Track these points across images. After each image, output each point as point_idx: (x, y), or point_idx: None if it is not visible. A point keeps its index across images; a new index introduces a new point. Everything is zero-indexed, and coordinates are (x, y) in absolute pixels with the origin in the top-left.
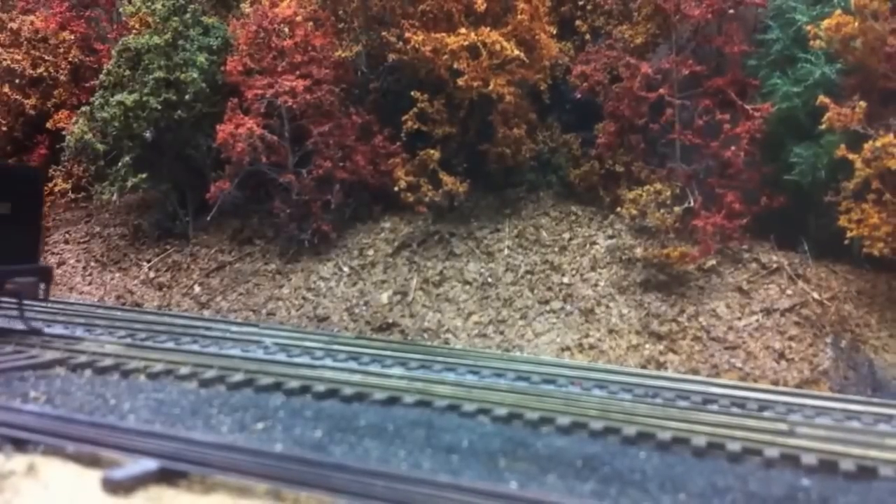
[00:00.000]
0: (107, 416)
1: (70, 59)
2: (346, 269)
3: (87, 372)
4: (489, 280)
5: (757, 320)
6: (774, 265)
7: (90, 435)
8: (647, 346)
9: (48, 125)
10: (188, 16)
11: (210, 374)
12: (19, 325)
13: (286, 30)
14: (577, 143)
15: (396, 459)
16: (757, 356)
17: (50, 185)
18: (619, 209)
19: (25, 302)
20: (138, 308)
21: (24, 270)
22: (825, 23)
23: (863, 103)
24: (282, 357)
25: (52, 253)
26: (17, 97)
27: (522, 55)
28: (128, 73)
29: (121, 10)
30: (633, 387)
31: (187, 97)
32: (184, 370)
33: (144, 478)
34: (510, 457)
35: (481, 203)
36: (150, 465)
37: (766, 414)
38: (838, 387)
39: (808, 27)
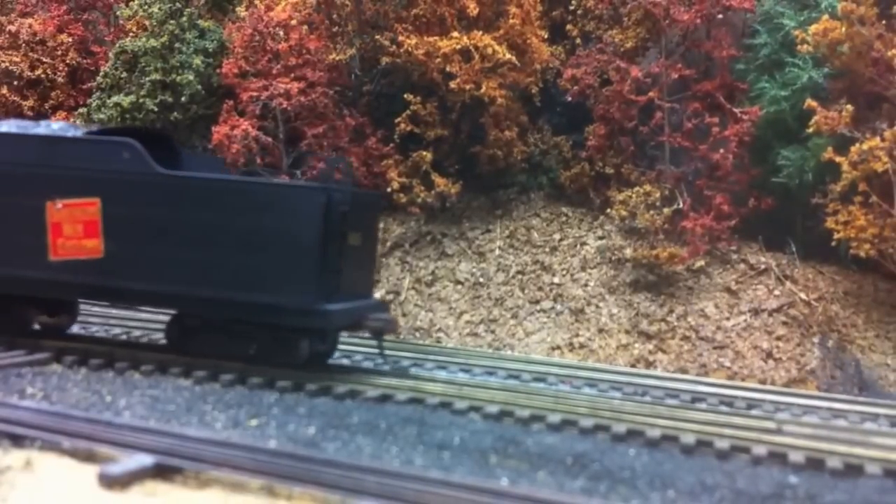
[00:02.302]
0: (102, 413)
1: (68, 61)
2: None
3: (83, 369)
4: (481, 280)
5: (745, 320)
6: (762, 266)
7: (86, 431)
8: (636, 345)
9: None
10: (184, 19)
11: (204, 371)
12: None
13: (281, 33)
14: (568, 146)
15: (388, 456)
16: (745, 355)
17: None
18: (608, 210)
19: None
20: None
21: (376, 305)
22: (812, 28)
23: (849, 107)
24: None
25: None
26: (16, 98)
27: (514, 59)
28: (125, 75)
29: (118, 13)
30: (622, 385)
31: (183, 99)
32: (178, 367)
33: (140, 473)
34: (501, 454)
35: (473, 204)
36: (145, 460)
37: (754, 412)
38: (825, 386)
39: (796, 32)
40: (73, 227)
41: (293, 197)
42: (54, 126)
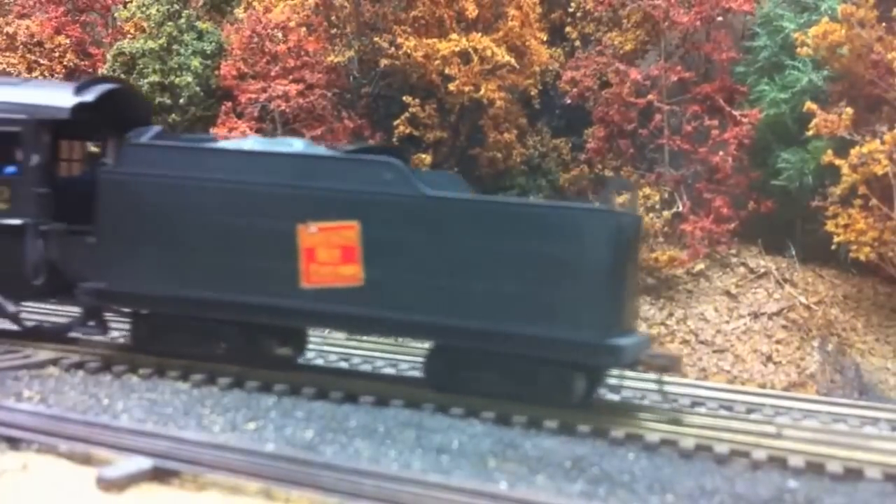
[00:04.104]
0: (100, 416)
1: (65, 63)
2: None
3: (81, 372)
4: None
5: (745, 324)
6: (762, 269)
7: (83, 434)
8: None
9: None
10: (183, 21)
11: (202, 374)
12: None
13: (279, 35)
14: (567, 148)
15: (387, 459)
16: (745, 359)
17: None
18: None
19: None
20: None
21: (648, 340)
22: (812, 30)
23: (849, 109)
24: None
25: None
26: None
27: (513, 61)
28: (122, 76)
29: (116, 14)
30: (621, 389)
31: (181, 101)
32: (175, 370)
33: (137, 476)
34: (500, 457)
35: None
36: (143, 463)
37: (753, 416)
38: (825, 390)
39: (796, 34)
40: (329, 253)
41: (581, 220)
42: (296, 144)
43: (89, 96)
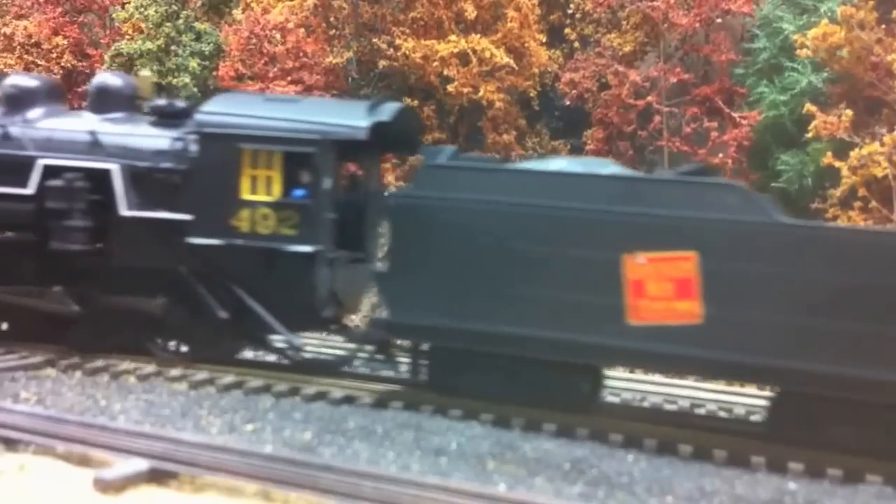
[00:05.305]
0: (97, 417)
1: (63, 63)
2: None
3: (78, 373)
4: None
5: None
6: None
7: (80, 435)
8: None
9: None
10: (181, 22)
11: (200, 376)
12: None
13: (278, 36)
14: (566, 150)
15: (385, 461)
16: None
17: None
18: None
19: None
20: None
21: None
22: (812, 32)
23: (849, 112)
24: (271, 359)
25: None
26: None
27: (512, 62)
28: None
29: (114, 15)
30: (620, 391)
31: None
32: (174, 372)
33: (135, 478)
34: (498, 459)
35: None
36: (140, 465)
37: (753, 419)
38: None
39: (795, 36)
40: (661, 286)
41: None
42: (610, 166)
43: (385, 116)
